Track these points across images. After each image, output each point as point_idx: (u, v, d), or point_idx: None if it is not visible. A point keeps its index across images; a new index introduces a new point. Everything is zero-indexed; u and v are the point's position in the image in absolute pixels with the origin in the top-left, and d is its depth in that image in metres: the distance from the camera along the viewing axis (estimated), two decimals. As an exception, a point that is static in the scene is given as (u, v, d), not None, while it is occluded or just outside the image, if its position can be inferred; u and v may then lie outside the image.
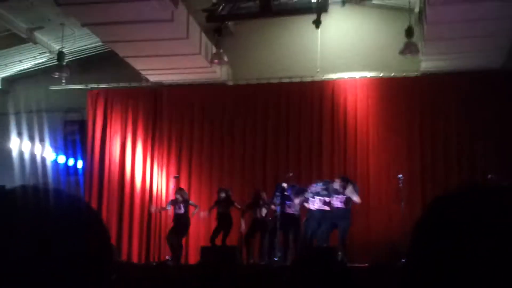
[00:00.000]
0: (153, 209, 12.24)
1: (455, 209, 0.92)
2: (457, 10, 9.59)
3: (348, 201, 10.76)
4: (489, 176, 10.98)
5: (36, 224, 0.94)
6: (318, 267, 2.95)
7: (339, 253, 10.44)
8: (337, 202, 10.82)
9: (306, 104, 13.01)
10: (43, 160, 13.06)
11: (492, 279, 0.84)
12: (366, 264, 10.92)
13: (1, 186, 1.02)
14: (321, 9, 10.42)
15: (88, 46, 13.17)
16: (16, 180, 12.60)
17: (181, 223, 11.59)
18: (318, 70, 12.68)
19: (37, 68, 13.71)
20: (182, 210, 11.57)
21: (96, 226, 1.01)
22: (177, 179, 12.36)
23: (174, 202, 11.67)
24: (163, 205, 12.54)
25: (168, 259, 11.45)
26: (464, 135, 12.22)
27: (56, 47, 12.54)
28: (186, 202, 11.63)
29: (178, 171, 13.08)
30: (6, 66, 13.69)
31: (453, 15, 9.69)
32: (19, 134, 12.80)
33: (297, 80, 13.00)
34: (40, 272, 0.90)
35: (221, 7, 11.29)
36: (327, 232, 10.89)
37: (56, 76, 12.47)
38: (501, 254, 0.84)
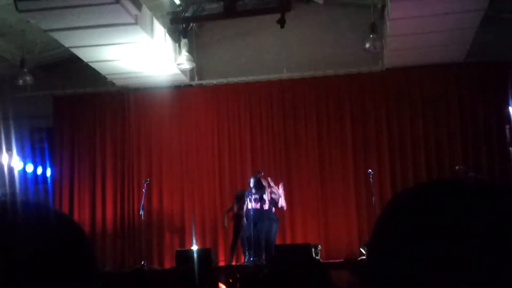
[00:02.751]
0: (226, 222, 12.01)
1: (412, 204, 0.94)
2: (420, 6, 9.73)
3: (261, 200, 10.92)
4: (457, 167, 11.20)
5: (20, 238, 0.94)
6: (294, 264, 2.97)
7: (313, 249, 10.54)
8: (253, 202, 11.02)
9: (274, 103, 13.05)
10: (11, 169, 12.84)
11: (448, 268, 0.86)
12: (342, 260, 11.09)
13: None
14: (284, 8, 10.47)
15: (52, 52, 12.98)
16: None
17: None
18: (285, 70, 12.75)
19: (1, 76, 13.46)
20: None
21: (79, 239, 1.01)
22: (148, 183, 12.29)
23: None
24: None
25: (144, 264, 11.37)
26: (430, 128, 12.42)
27: (19, 54, 12.34)
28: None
29: (149, 174, 13.00)
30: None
31: (416, 10, 9.83)
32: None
33: (264, 79, 13.03)
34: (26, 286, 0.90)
35: (185, 9, 11.27)
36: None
37: (20, 84, 12.28)
38: (456, 243, 0.87)
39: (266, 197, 11.01)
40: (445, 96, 12.36)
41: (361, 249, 10.83)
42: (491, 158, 12.04)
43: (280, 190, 11.33)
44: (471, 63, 12.13)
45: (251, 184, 11.14)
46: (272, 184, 11.33)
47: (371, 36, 11.33)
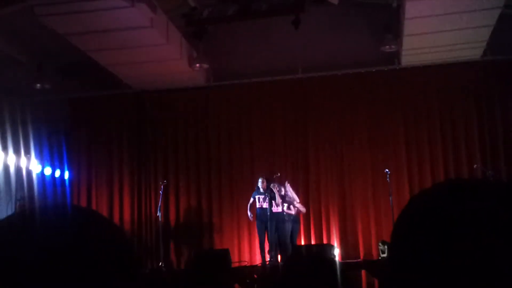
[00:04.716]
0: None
1: (430, 204, 0.94)
2: (435, 5, 9.66)
3: (270, 200, 11.16)
4: (475, 166, 11.11)
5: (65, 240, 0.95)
6: (311, 264, 2.96)
7: (331, 250, 10.53)
8: (263, 202, 11.26)
9: (290, 103, 13.04)
10: (29, 172, 12.97)
11: (468, 267, 0.86)
12: (360, 260, 11.07)
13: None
14: (299, 9, 10.47)
15: (69, 55, 13.07)
16: (2, 195, 12.54)
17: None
18: (300, 70, 12.74)
19: (18, 80, 13.58)
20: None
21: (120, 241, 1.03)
22: (165, 185, 12.35)
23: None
24: None
25: (162, 266, 11.42)
26: (448, 127, 12.34)
27: (36, 58, 12.44)
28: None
29: (166, 176, 13.05)
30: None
31: (432, 9, 9.77)
32: (4, 148, 12.69)
33: (279, 79, 13.01)
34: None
35: (200, 11, 11.29)
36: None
37: (37, 88, 12.39)
38: (475, 243, 0.87)
39: (276, 200, 11.12)
40: (462, 95, 12.27)
41: (379, 249, 10.79)
42: (509, 157, 11.92)
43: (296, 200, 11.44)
44: (488, 61, 12.04)
45: (260, 185, 11.27)
46: (289, 190, 11.40)
47: (386, 35, 11.30)
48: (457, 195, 0.92)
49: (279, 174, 11.74)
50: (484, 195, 0.92)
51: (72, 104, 13.85)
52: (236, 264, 11.48)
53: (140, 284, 1.02)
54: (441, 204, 0.93)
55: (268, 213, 11.02)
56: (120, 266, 0.99)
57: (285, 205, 11.28)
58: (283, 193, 11.35)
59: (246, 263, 11.80)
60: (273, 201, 11.15)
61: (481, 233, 0.87)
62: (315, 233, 12.33)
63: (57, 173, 13.48)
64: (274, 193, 11.20)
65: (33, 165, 13.02)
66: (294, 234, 11.42)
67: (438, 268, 0.87)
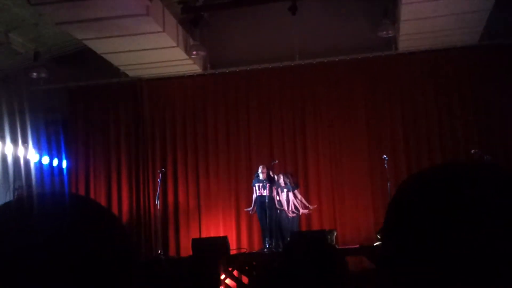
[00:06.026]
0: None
1: (421, 189, 0.94)
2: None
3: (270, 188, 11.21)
4: (472, 151, 11.12)
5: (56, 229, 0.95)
6: (310, 250, 2.97)
7: (329, 235, 10.58)
8: (263, 190, 11.27)
9: (287, 89, 13.01)
10: (27, 162, 12.96)
11: (460, 252, 0.86)
12: (357, 246, 11.10)
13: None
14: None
15: (65, 44, 13.04)
16: (0, 185, 12.56)
17: None
18: (297, 56, 12.71)
19: (15, 69, 13.55)
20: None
21: (114, 228, 1.03)
22: (163, 172, 12.35)
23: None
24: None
25: (160, 253, 11.45)
26: (445, 112, 12.34)
27: (32, 47, 12.41)
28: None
29: (164, 164, 13.05)
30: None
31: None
32: (2, 138, 12.68)
33: (276, 66, 12.98)
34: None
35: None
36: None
37: (34, 77, 12.36)
38: (470, 226, 0.87)
39: (274, 191, 11.16)
40: (460, 80, 12.26)
41: (377, 235, 10.82)
42: (506, 142, 11.94)
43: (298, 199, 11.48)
44: (485, 45, 12.01)
45: (260, 174, 11.24)
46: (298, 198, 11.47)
47: (383, 20, 11.27)
48: (454, 181, 0.92)
49: (276, 161, 11.75)
50: (481, 182, 0.91)
51: (69, 93, 13.81)
52: (235, 251, 11.51)
53: (137, 273, 1.03)
54: (437, 190, 0.92)
55: (267, 200, 11.04)
56: (116, 255, 0.99)
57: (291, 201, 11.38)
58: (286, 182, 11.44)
59: (245, 250, 11.83)
60: (273, 188, 11.18)
61: (480, 222, 0.87)
62: (314, 219, 12.35)
63: (55, 162, 13.48)
64: (274, 181, 11.23)
65: (31, 155, 13.01)
66: (295, 221, 11.46)
67: (437, 257, 0.87)
